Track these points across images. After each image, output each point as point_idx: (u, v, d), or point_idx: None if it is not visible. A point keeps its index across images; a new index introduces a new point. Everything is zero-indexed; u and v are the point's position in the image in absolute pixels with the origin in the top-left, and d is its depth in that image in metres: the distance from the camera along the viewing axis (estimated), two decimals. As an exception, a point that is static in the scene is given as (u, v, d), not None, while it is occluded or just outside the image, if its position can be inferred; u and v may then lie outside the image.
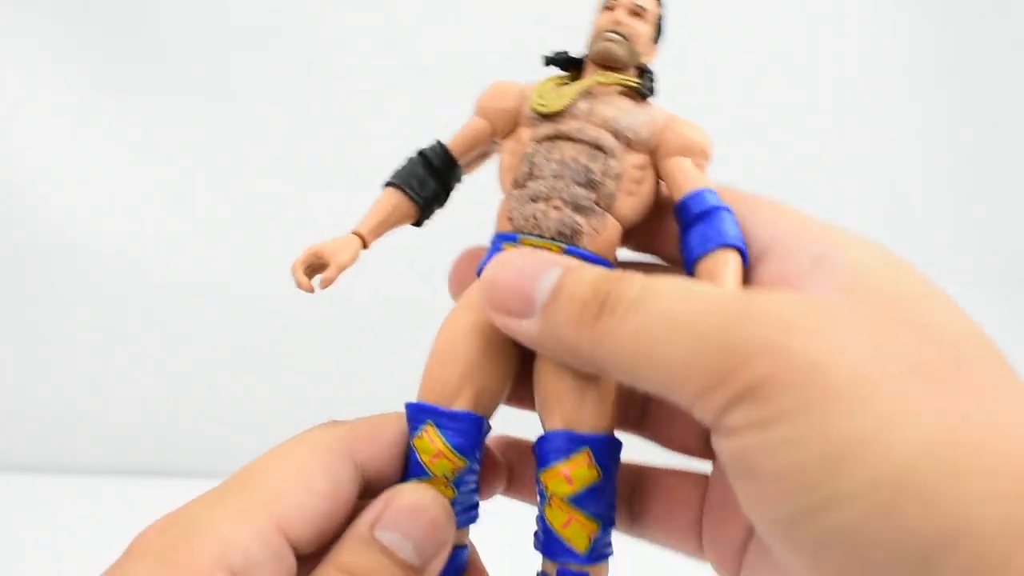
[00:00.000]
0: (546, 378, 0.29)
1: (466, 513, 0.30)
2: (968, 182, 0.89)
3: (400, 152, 0.34)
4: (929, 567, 0.21)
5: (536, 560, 0.30)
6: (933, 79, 0.88)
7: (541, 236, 0.30)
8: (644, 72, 0.33)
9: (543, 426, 0.30)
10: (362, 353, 0.86)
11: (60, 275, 0.86)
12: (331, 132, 0.84)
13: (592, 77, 0.32)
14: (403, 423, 0.29)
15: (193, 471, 0.84)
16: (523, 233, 0.30)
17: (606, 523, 0.29)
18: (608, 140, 0.31)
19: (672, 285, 0.25)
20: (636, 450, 0.33)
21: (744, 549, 0.30)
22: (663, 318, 0.24)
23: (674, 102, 0.33)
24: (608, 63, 0.32)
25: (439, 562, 0.27)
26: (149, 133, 0.86)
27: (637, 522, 0.33)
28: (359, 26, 0.85)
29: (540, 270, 0.27)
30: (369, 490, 0.28)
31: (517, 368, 0.30)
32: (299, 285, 0.30)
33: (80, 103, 0.85)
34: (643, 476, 0.33)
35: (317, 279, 0.31)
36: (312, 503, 0.26)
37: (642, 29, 0.32)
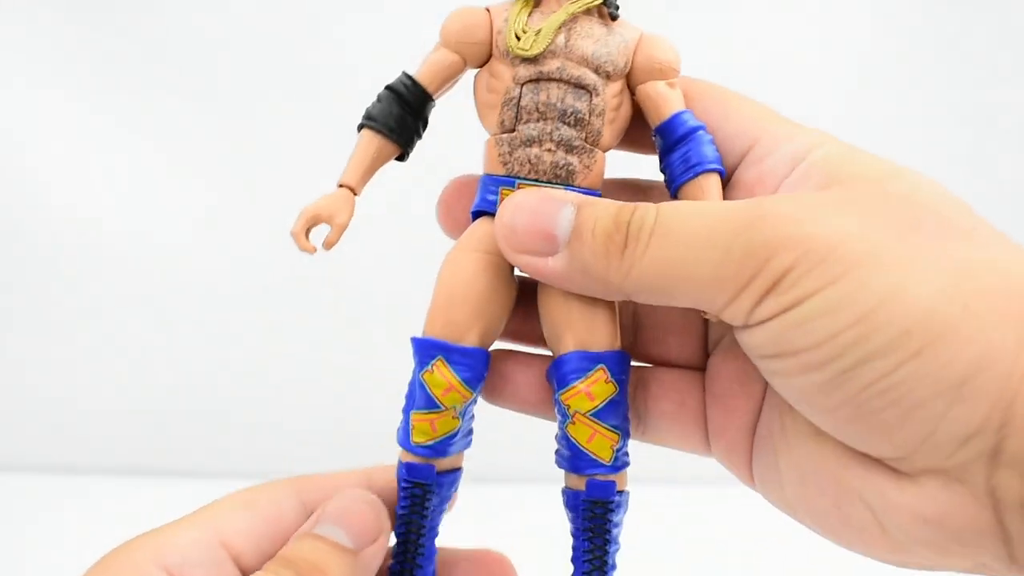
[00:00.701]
0: (554, 306, 0.31)
1: (464, 439, 0.32)
2: (970, 178, 0.89)
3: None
4: (964, 392, 0.23)
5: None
6: (934, 74, 0.88)
7: (537, 180, 0.31)
8: None
9: (555, 352, 0.32)
10: (366, 351, 0.85)
11: (60, 275, 0.86)
12: (336, 129, 0.84)
13: (564, 9, 0.31)
14: (354, 478, 0.32)
15: (192, 471, 0.84)
16: (519, 178, 0.31)
17: (624, 434, 0.31)
18: (590, 77, 0.31)
19: (686, 207, 0.28)
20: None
21: (752, 433, 0.31)
22: (686, 239, 0.27)
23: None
24: None
25: (376, 549, 0.30)
26: (152, 133, 0.86)
27: (642, 423, 0.35)
28: (361, 23, 0.85)
29: (555, 209, 0.29)
30: None
31: (514, 302, 0.32)
32: (303, 249, 0.31)
33: (82, 100, 0.85)
34: (644, 378, 0.35)
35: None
36: (253, 523, 0.29)
37: None
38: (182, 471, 0.84)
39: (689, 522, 0.77)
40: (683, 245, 0.26)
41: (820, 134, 0.30)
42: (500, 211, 0.30)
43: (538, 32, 0.31)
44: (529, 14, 0.32)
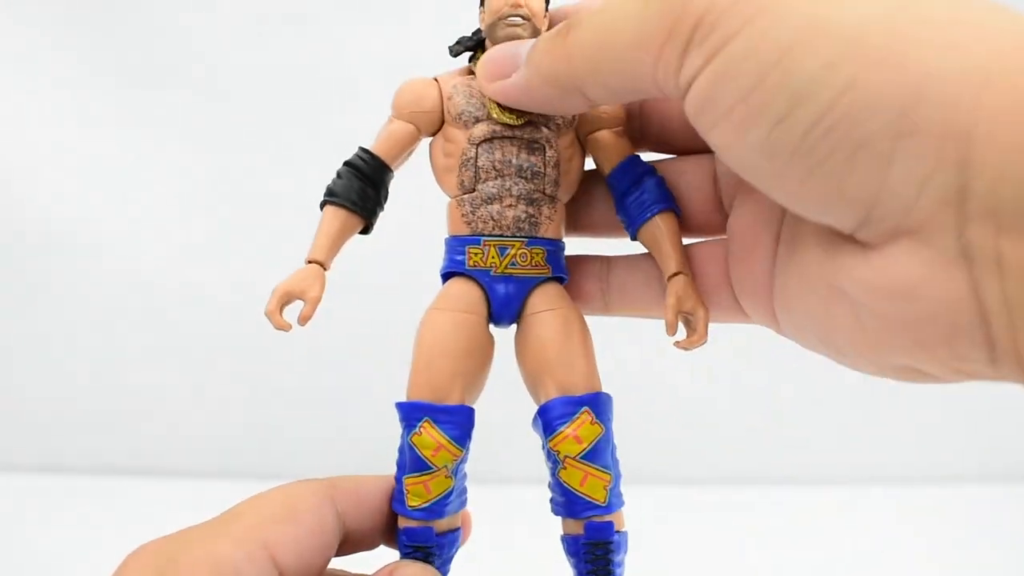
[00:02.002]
0: (531, 352, 0.32)
1: (460, 498, 0.33)
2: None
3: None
4: (905, 123, 0.21)
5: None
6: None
7: (502, 235, 0.32)
8: None
9: (537, 399, 0.32)
10: (366, 352, 0.86)
11: (60, 275, 0.86)
12: (334, 132, 0.84)
13: None
14: (382, 481, 0.32)
15: (192, 471, 0.84)
16: (484, 235, 0.32)
17: (616, 473, 0.32)
18: (543, 132, 0.32)
19: None
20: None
21: (772, 275, 0.31)
22: (614, 9, 0.27)
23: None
24: None
25: None
26: (150, 133, 0.86)
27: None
28: (360, 26, 0.85)
29: (522, 44, 0.31)
30: (347, 543, 0.31)
31: (493, 357, 0.33)
32: (279, 328, 0.31)
33: (80, 102, 0.85)
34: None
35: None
36: (298, 534, 0.29)
37: (538, 4, 0.33)
38: (181, 471, 0.84)
39: (690, 523, 0.77)
40: (612, 14, 0.27)
41: None
42: (482, 59, 0.32)
43: None
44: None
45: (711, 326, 0.32)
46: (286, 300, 0.31)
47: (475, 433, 0.32)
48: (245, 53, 0.85)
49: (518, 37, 0.32)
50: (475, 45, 0.34)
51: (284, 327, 0.31)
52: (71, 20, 0.83)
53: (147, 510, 0.64)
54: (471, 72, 0.33)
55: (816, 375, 0.88)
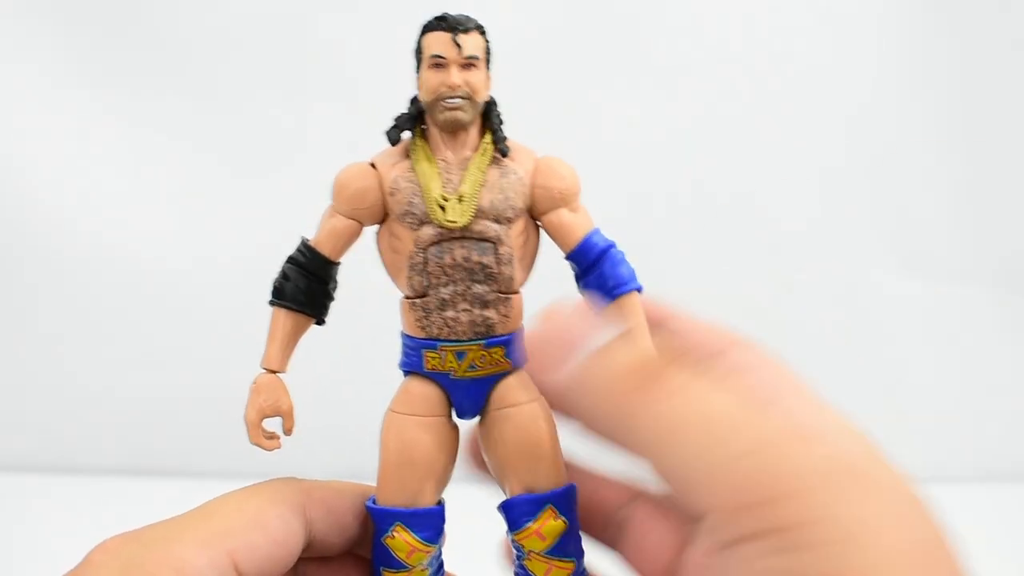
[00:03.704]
0: (492, 449, 0.32)
1: (438, 574, 0.33)
2: (970, 183, 0.89)
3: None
4: None
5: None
6: (937, 80, 0.88)
7: (458, 340, 0.31)
8: (486, 112, 0.32)
9: (504, 491, 0.32)
10: (362, 351, 0.86)
11: (61, 276, 0.86)
12: (327, 129, 0.84)
13: (475, 167, 0.31)
14: (357, 494, 0.32)
15: (191, 471, 0.84)
16: (440, 340, 0.31)
17: (579, 557, 0.32)
18: (493, 229, 0.31)
19: (721, 394, 0.25)
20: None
21: None
22: (705, 415, 0.25)
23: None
24: (456, 130, 0.31)
25: None
26: (148, 134, 0.86)
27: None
28: (356, 23, 0.85)
29: (581, 333, 0.27)
30: (310, 549, 0.31)
31: (458, 448, 0.33)
32: (272, 449, 0.31)
33: (76, 100, 0.85)
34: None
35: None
36: (263, 544, 0.28)
37: (478, 79, 0.31)
38: (181, 471, 0.84)
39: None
40: (699, 418, 0.25)
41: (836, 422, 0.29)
42: (538, 324, 0.29)
43: (460, 198, 0.30)
44: (431, 165, 0.31)
45: None
46: (261, 422, 0.31)
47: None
48: (243, 50, 0.85)
49: (458, 121, 0.30)
50: (413, 122, 0.32)
51: (276, 447, 0.31)
52: (67, 19, 0.84)
53: (146, 510, 0.64)
54: (408, 155, 0.31)
55: (815, 376, 0.88)
